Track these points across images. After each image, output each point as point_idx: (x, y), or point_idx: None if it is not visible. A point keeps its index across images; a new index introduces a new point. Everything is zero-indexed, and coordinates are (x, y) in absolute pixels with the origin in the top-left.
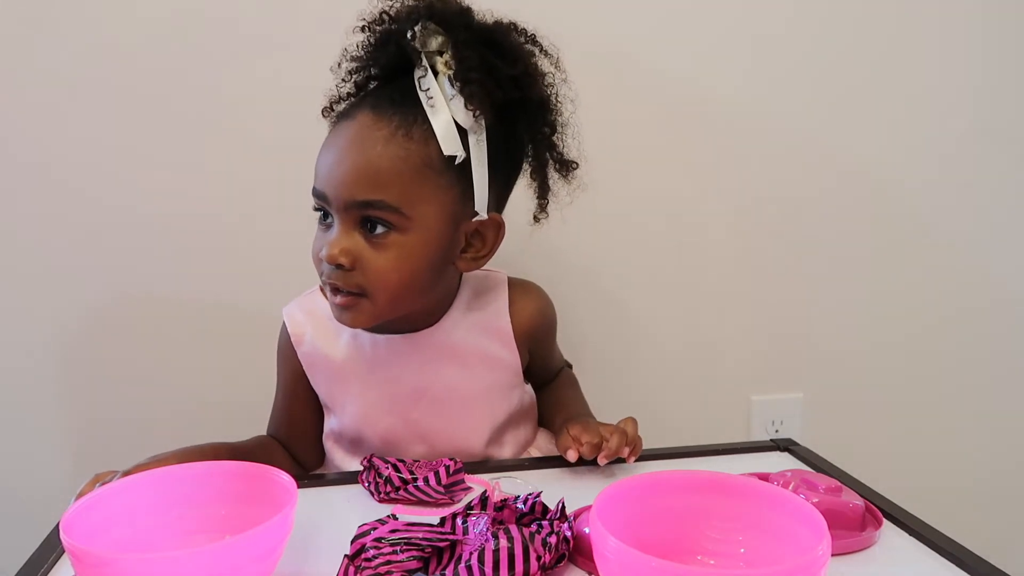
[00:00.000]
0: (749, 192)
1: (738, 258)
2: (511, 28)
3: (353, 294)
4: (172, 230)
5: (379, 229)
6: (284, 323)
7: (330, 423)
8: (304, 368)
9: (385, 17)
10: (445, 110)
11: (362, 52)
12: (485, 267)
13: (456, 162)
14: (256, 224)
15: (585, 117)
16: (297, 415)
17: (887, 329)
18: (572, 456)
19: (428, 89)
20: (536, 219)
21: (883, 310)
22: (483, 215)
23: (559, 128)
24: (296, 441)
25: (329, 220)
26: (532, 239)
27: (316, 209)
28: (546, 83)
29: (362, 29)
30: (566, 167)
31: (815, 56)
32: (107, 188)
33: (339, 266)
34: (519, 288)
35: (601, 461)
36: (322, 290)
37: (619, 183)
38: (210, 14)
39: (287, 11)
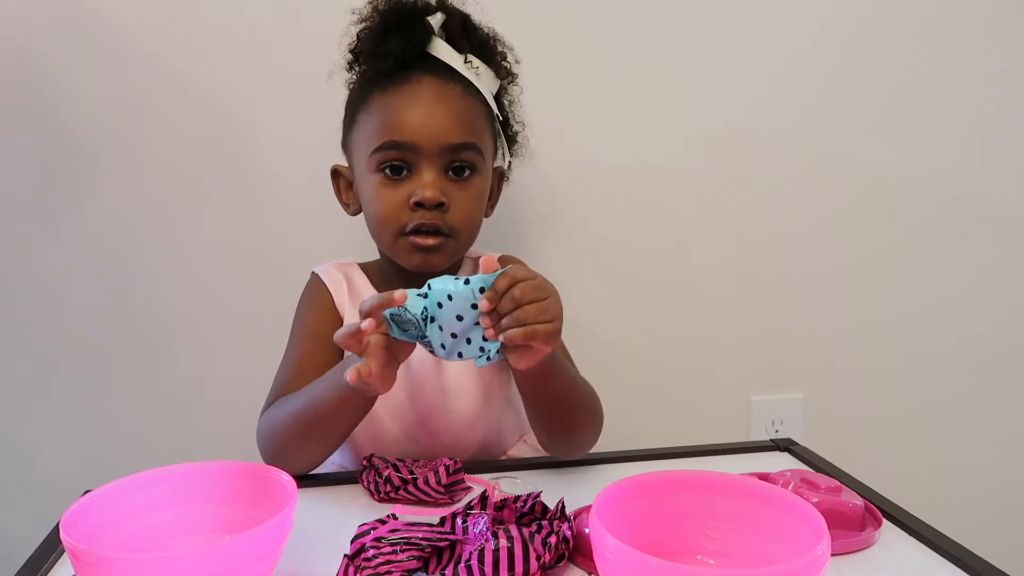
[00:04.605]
0: (748, 192)
1: (738, 258)
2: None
3: (443, 235)
4: (172, 236)
5: (465, 172)
6: (319, 278)
7: None
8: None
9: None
10: (485, 79)
11: (376, 27)
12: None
13: (498, 119)
14: (258, 228)
15: (591, 128)
16: (320, 360)
17: (887, 329)
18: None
19: (471, 61)
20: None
21: (882, 310)
22: (505, 162)
23: (511, 105)
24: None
25: (403, 175)
26: (541, 237)
27: (386, 166)
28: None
29: (374, 9)
30: (513, 138)
31: (811, 62)
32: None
33: (438, 205)
34: (500, 258)
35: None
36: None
37: (621, 185)
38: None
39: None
